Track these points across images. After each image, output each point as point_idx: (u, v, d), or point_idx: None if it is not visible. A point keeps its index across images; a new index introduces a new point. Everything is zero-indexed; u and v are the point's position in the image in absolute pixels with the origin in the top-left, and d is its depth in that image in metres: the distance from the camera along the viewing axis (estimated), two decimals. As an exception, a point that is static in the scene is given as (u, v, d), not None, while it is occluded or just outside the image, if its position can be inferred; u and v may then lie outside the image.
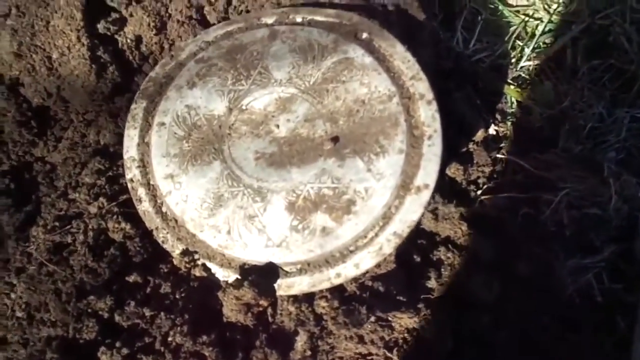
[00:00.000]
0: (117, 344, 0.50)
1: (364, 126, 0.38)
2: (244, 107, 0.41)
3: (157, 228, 0.40)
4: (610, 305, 0.61)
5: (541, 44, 0.77)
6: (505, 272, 0.61)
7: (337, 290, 0.48)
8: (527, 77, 0.75)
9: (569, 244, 0.63)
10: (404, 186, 0.37)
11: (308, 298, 0.47)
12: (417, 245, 0.58)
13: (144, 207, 0.40)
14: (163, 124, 0.41)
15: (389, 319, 0.52)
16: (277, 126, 0.40)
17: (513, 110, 0.72)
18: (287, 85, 0.42)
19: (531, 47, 0.75)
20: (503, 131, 0.71)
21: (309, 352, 0.44)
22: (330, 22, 0.44)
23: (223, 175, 0.38)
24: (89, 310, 0.52)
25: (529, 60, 0.75)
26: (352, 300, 0.49)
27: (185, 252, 0.41)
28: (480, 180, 0.67)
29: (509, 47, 0.74)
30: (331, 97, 0.40)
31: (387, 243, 0.36)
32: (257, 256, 0.37)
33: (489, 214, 0.64)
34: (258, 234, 0.37)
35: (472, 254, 0.60)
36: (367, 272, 0.38)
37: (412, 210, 0.37)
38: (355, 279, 0.43)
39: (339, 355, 0.49)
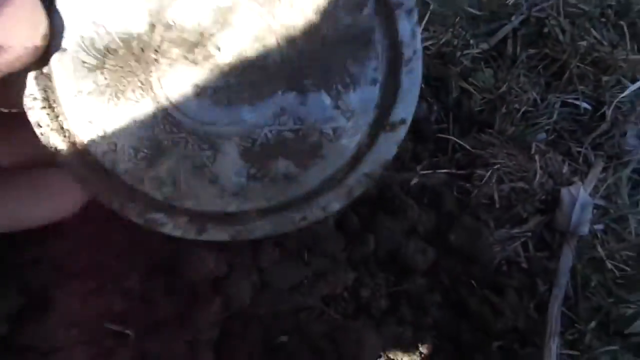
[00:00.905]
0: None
1: (329, 47, 0.29)
2: (170, 22, 0.30)
3: (85, 179, 0.32)
4: (534, 271, 0.68)
5: (483, 31, 0.83)
6: (440, 241, 0.67)
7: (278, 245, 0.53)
8: (470, 64, 0.80)
9: (498, 216, 0.69)
10: (378, 122, 0.31)
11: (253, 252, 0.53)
12: (358, 211, 0.64)
13: (63, 157, 0.31)
14: (64, 49, 0.30)
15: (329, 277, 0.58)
16: (218, 48, 0.30)
17: (456, 94, 0.78)
18: None
19: (471, 34, 0.81)
20: (446, 113, 0.77)
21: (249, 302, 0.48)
22: None
23: (158, 119, 0.30)
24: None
25: (472, 48, 0.80)
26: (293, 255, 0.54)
27: (124, 205, 0.32)
28: (422, 156, 0.72)
29: (452, 35, 0.79)
30: (284, 5, 0.30)
31: (357, 185, 0.32)
32: (211, 206, 0.31)
33: (428, 187, 0.69)
34: (209, 185, 0.31)
35: (410, 223, 0.66)
36: (334, 214, 0.32)
37: (386, 149, 0.31)
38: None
39: (280, 308, 0.54)
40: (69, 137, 0.32)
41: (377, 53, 0.31)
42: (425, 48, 0.81)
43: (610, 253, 0.68)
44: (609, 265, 0.66)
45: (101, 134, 0.31)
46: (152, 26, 0.30)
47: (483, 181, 0.68)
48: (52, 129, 0.31)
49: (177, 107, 0.31)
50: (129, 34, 0.30)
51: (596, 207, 0.71)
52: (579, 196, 0.69)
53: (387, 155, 0.32)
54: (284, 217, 0.32)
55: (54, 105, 0.31)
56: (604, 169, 0.75)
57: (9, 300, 0.46)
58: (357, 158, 0.32)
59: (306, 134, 0.31)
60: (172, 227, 0.32)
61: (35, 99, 0.31)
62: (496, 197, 0.69)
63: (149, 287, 0.50)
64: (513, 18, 0.83)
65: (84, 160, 0.32)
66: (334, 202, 0.32)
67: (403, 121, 0.32)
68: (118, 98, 0.30)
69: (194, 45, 0.31)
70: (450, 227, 0.68)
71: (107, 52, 0.31)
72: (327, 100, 0.31)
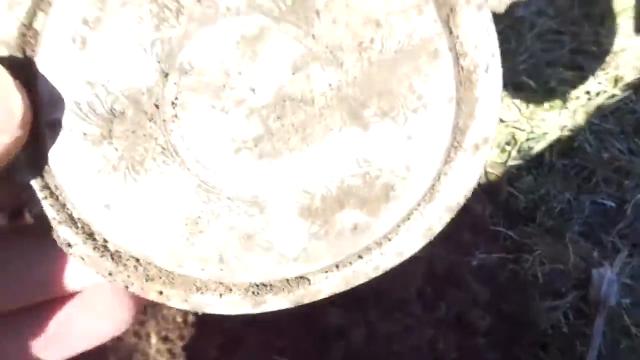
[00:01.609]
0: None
1: (387, 65, 0.23)
2: (186, 66, 0.22)
3: (110, 273, 0.25)
4: (573, 335, 0.87)
5: (525, 147, 1.07)
6: (496, 309, 0.88)
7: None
8: (515, 171, 1.04)
9: (542, 290, 0.90)
10: (456, 145, 0.25)
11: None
12: (432, 284, 0.87)
13: (79, 251, 0.24)
14: (57, 122, 0.22)
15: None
16: (252, 89, 0.23)
17: (504, 196, 1.02)
18: (250, 12, 0.22)
19: (517, 150, 1.05)
20: (497, 210, 1.00)
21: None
22: None
23: (191, 189, 0.24)
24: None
25: (516, 160, 1.05)
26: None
27: (163, 293, 0.26)
28: (479, 243, 0.95)
29: (500, 150, 1.04)
30: (325, 22, 0.23)
31: (437, 221, 0.25)
32: (268, 276, 0.26)
33: (485, 267, 0.92)
34: (264, 253, 0.25)
35: (472, 295, 0.88)
36: (411, 257, 0.29)
37: (468, 175, 0.25)
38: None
39: (379, 351, 0.77)
40: (82, 227, 0.25)
41: (448, 64, 0.24)
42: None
43: (635, 322, 0.86)
44: (634, 331, 0.84)
45: (123, 218, 0.24)
46: (164, 74, 0.23)
47: (528, 263, 0.90)
48: (59, 222, 0.24)
49: (211, 170, 0.24)
50: (136, 89, 0.23)
51: (623, 285, 0.90)
52: (607, 276, 0.89)
53: (469, 183, 0.26)
54: (355, 271, 0.26)
55: (57, 192, 0.24)
56: (629, 254, 0.94)
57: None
58: (435, 189, 0.26)
59: (375, 176, 0.25)
60: (222, 306, 0.26)
61: (30, 188, 0.24)
62: (539, 275, 0.90)
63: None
64: (547, 136, 1.07)
65: (107, 252, 0.25)
66: (411, 245, 0.26)
67: (485, 140, 0.25)
68: (137, 171, 0.24)
69: (220, 89, 0.24)
70: (504, 298, 0.89)
71: (113, 115, 0.23)
72: (395, 130, 0.24)
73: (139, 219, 0.24)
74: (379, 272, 0.26)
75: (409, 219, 0.25)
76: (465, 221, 0.99)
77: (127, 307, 0.27)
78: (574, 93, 1.10)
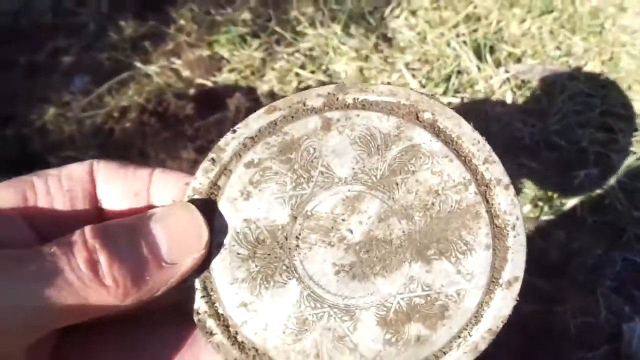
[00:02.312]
0: None
1: (443, 221, 0.34)
2: (309, 213, 0.34)
3: (235, 359, 0.34)
4: (606, 387, 0.90)
5: (558, 203, 1.13)
6: (528, 359, 0.92)
7: None
8: (547, 226, 1.10)
9: (574, 343, 0.93)
10: (494, 282, 0.34)
11: None
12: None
13: (217, 339, 0.33)
14: (222, 244, 0.34)
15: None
16: (350, 231, 0.34)
17: (537, 249, 1.07)
18: (353, 182, 0.35)
19: (549, 205, 1.11)
20: (529, 263, 1.05)
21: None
22: (386, 103, 0.38)
23: (303, 297, 0.33)
24: None
25: (548, 215, 1.10)
26: None
27: None
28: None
29: (533, 206, 1.10)
30: (402, 191, 0.35)
31: (482, 341, 0.33)
32: None
33: (518, 317, 0.96)
34: (349, 354, 0.33)
35: (504, 346, 0.92)
36: None
37: (504, 305, 0.34)
38: None
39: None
40: (223, 321, 0.34)
41: (486, 222, 0.34)
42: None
43: (668, 377, 0.88)
44: (666, 386, 0.87)
45: (254, 316, 0.33)
46: (294, 218, 0.35)
47: (560, 315, 0.94)
48: (209, 315, 0.34)
49: (319, 284, 0.34)
50: (274, 226, 0.34)
51: (655, 340, 0.93)
52: (638, 330, 0.92)
53: (505, 311, 0.34)
54: None
55: (212, 294, 0.34)
56: (661, 311, 0.97)
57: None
58: (479, 315, 0.34)
59: (434, 297, 0.34)
60: None
61: (196, 290, 0.34)
62: (571, 327, 0.94)
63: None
64: (579, 193, 1.13)
65: (236, 342, 0.34)
66: (462, 359, 0.33)
67: (516, 279, 0.34)
68: (268, 282, 0.33)
69: (329, 230, 0.34)
70: (536, 348, 0.93)
71: (257, 243, 0.34)
72: (449, 266, 0.34)
73: (264, 317, 0.33)
74: None
75: (459, 337, 0.33)
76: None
77: None
78: (604, 153, 1.15)
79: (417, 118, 0.37)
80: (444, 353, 0.33)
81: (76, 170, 0.32)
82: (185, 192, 0.35)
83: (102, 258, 0.27)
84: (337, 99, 0.38)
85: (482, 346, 0.34)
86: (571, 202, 1.12)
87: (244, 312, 0.34)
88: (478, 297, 0.33)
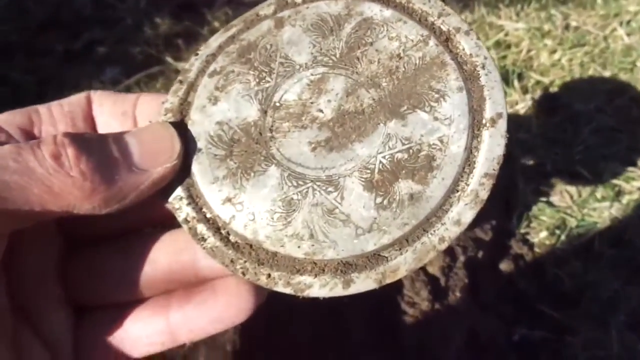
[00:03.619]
0: None
1: (411, 79, 0.34)
2: (277, 104, 0.35)
3: (232, 261, 0.33)
4: None
5: (575, 233, 1.10)
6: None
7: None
8: (563, 255, 1.07)
9: (584, 375, 0.90)
10: (477, 123, 0.33)
11: None
12: (470, 349, 0.89)
13: (210, 243, 0.33)
14: (199, 150, 0.34)
15: None
16: (321, 110, 0.34)
17: (551, 278, 1.04)
18: (314, 66, 0.35)
19: (566, 234, 1.09)
20: (542, 291, 1.02)
21: None
22: None
23: (284, 178, 0.33)
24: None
25: (565, 244, 1.08)
26: None
27: (271, 276, 0.33)
28: (522, 320, 0.97)
29: (550, 233, 1.08)
30: (364, 63, 0.35)
31: (481, 187, 0.31)
32: (350, 251, 0.32)
33: (528, 342, 0.93)
34: (344, 226, 0.32)
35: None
36: (470, 226, 0.33)
37: (494, 144, 0.32)
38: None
39: None
40: (212, 223, 0.33)
41: (453, 67, 0.34)
42: (526, 233, 1.10)
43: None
44: None
45: (240, 208, 0.33)
46: (264, 112, 0.35)
47: (571, 346, 0.91)
48: (198, 220, 0.33)
49: (297, 163, 0.34)
50: (246, 123, 0.35)
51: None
52: (651, 369, 0.88)
53: (497, 150, 0.32)
54: (423, 244, 0.31)
55: (197, 199, 0.34)
56: (676, 352, 0.94)
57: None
58: (471, 161, 0.32)
59: (416, 149, 0.33)
60: (319, 287, 0.32)
61: (181, 198, 0.34)
62: None
63: None
64: (598, 225, 1.10)
65: (229, 242, 0.33)
66: (465, 212, 0.31)
67: (500, 115, 0.33)
68: (248, 174, 0.33)
69: (301, 115, 0.35)
70: (544, 377, 0.90)
71: (233, 142, 0.35)
72: (425, 115, 0.33)
73: (249, 207, 0.33)
74: (445, 244, 0.31)
75: (457, 190, 0.32)
76: (509, 295, 1.02)
77: (246, 299, 0.33)
78: (627, 187, 1.13)
79: None
80: (445, 210, 0.32)
81: (75, 98, 0.34)
82: (161, 113, 0.35)
83: (70, 151, 0.28)
84: (287, 2, 0.39)
85: (484, 194, 0.32)
86: (589, 234, 1.09)
87: (229, 208, 0.33)
88: (463, 140, 0.32)
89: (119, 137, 0.31)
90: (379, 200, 0.32)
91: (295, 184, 0.33)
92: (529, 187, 1.14)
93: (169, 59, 1.39)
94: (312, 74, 0.36)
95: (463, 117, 0.33)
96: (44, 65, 1.44)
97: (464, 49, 0.35)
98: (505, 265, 1.05)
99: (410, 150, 0.33)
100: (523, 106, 1.24)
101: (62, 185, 0.28)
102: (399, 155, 0.33)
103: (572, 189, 1.14)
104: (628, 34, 1.33)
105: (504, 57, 1.32)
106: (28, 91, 1.39)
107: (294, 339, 0.87)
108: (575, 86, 1.27)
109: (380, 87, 0.34)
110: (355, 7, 0.37)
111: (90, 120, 0.34)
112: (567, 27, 1.36)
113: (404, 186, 0.32)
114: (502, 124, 0.33)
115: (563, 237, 1.08)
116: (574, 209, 1.12)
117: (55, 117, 0.33)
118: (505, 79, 1.27)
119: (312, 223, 0.32)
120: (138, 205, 0.31)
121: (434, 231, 0.31)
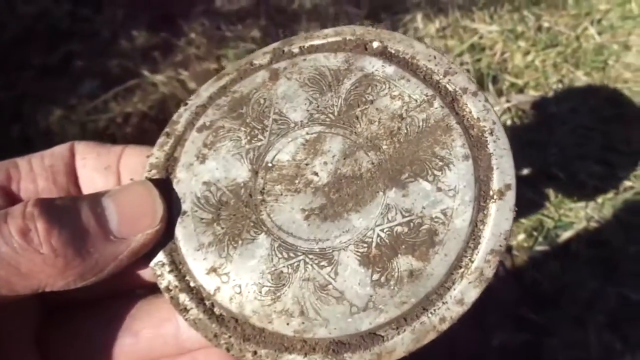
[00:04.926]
0: None
1: (413, 143, 0.31)
2: (269, 165, 0.32)
3: (215, 335, 0.30)
4: None
5: (552, 234, 1.12)
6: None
7: None
8: (542, 257, 1.08)
9: (562, 376, 0.91)
10: (483, 194, 0.30)
11: None
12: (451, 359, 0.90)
13: (193, 315, 0.31)
14: (184, 212, 0.32)
15: None
16: (316, 174, 0.32)
17: (530, 280, 1.05)
18: (310, 124, 0.33)
19: (543, 236, 1.10)
20: (521, 294, 1.04)
21: None
22: (332, 42, 0.36)
23: (274, 249, 0.31)
24: None
25: (543, 246, 1.09)
26: None
27: (257, 354, 0.30)
28: (504, 325, 0.98)
29: (527, 235, 1.09)
30: (364, 123, 0.32)
31: (486, 265, 0.29)
32: (344, 330, 0.29)
33: (507, 349, 0.94)
34: (337, 304, 0.29)
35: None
36: (473, 305, 0.31)
37: (502, 219, 0.30)
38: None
39: None
40: (196, 294, 0.31)
41: (459, 133, 0.31)
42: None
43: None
44: None
45: (226, 279, 0.30)
46: (255, 172, 0.32)
47: (550, 348, 0.92)
48: (180, 290, 0.31)
49: (289, 232, 0.31)
50: (236, 184, 0.32)
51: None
52: (628, 368, 0.90)
53: (505, 225, 0.30)
54: (423, 324, 0.29)
55: (180, 266, 0.32)
56: (653, 350, 0.95)
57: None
58: (476, 236, 0.30)
59: (418, 223, 0.30)
60: None
61: (163, 264, 0.31)
62: (560, 360, 0.92)
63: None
64: (574, 225, 1.12)
65: (213, 315, 0.31)
66: (469, 291, 0.29)
67: (508, 186, 0.30)
68: (235, 241, 0.31)
69: (294, 177, 0.32)
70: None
71: (220, 205, 0.32)
72: (427, 185, 0.30)
73: (236, 279, 0.30)
74: (446, 324, 0.29)
75: (460, 267, 0.29)
76: (489, 301, 1.03)
77: None
78: (602, 187, 1.15)
79: (366, 49, 0.35)
80: (447, 288, 0.29)
81: (58, 149, 0.33)
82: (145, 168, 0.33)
83: (39, 225, 0.26)
84: (284, 51, 0.36)
85: (489, 272, 0.29)
86: (566, 235, 1.11)
87: (214, 278, 0.31)
88: (468, 214, 0.30)
89: (95, 201, 0.28)
90: (375, 277, 0.30)
91: (286, 255, 0.31)
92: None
93: (146, 72, 1.39)
94: (307, 133, 0.33)
95: (469, 189, 0.30)
96: (20, 80, 1.43)
97: (471, 112, 0.32)
98: (484, 269, 1.06)
99: (411, 224, 0.30)
100: (498, 109, 1.24)
101: (31, 265, 0.26)
102: (399, 228, 0.30)
103: (549, 190, 1.15)
104: (599, 33, 1.35)
105: (479, 60, 1.33)
106: (5, 106, 1.38)
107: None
108: (549, 87, 1.28)
109: (381, 150, 0.32)
110: (355, 62, 0.34)
111: (72, 174, 0.33)
112: (539, 28, 1.37)
113: (403, 262, 0.30)
114: (511, 196, 0.30)
115: (540, 239, 1.09)
116: (550, 210, 1.13)
117: (35, 171, 0.31)
118: (480, 82, 1.28)
119: (303, 299, 0.30)
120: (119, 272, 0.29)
121: (435, 310, 0.29)
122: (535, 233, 1.10)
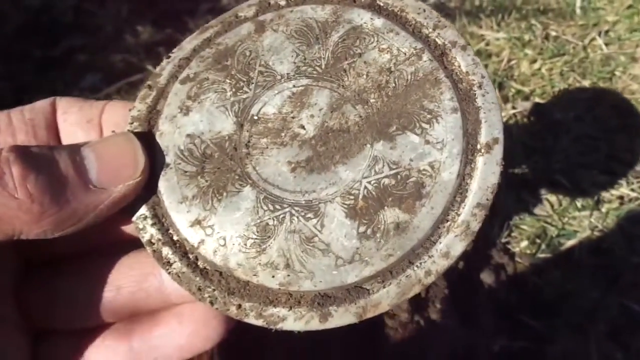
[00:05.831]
0: None
1: (401, 96, 0.31)
2: (255, 117, 0.32)
3: (199, 289, 0.30)
4: None
5: (555, 242, 1.11)
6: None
7: None
8: (544, 264, 1.07)
9: (563, 385, 0.90)
10: (471, 148, 0.30)
11: None
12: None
13: (176, 268, 0.30)
14: (167, 165, 0.31)
15: None
16: (302, 127, 0.31)
17: (531, 287, 1.04)
18: (297, 77, 0.32)
19: (546, 244, 1.09)
20: (522, 300, 1.02)
21: None
22: None
23: (259, 201, 0.30)
24: None
25: (545, 253, 1.08)
26: None
27: (241, 307, 0.30)
28: (503, 331, 0.97)
29: (530, 242, 1.08)
30: (351, 76, 0.32)
31: (472, 218, 0.29)
32: (329, 282, 0.29)
33: (506, 355, 0.93)
34: (323, 256, 0.29)
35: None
36: (459, 258, 0.31)
37: (489, 172, 0.29)
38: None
39: None
40: (180, 247, 0.30)
41: (448, 86, 0.31)
42: (508, 243, 1.10)
43: None
44: None
45: (209, 232, 0.30)
46: (240, 125, 0.32)
47: (551, 356, 0.91)
48: (163, 243, 0.30)
49: (274, 184, 0.31)
50: (221, 137, 0.32)
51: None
52: (630, 379, 0.88)
53: (492, 179, 0.30)
54: (408, 277, 0.29)
55: (163, 219, 0.31)
56: (655, 361, 0.94)
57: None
58: (463, 189, 0.30)
59: (405, 175, 0.30)
60: (293, 320, 0.29)
61: (145, 218, 0.31)
62: (561, 369, 0.90)
63: None
64: (577, 234, 1.11)
65: (197, 269, 0.30)
66: (455, 245, 0.29)
67: (496, 140, 0.30)
68: (220, 194, 0.30)
69: (280, 131, 0.31)
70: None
71: (205, 158, 0.31)
72: (415, 138, 0.30)
73: (220, 231, 0.30)
74: (432, 278, 0.28)
75: (447, 220, 0.29)
76: (490, 306, 1.01)
77: (215, 326, 0.31)
78: (606, 196, 1.14)
79: (354, 1, 0.34)
80: (433, 242, 0.29)
81: (39, 103, 0.32)
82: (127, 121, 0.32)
83: (15, 169, 0.25)
84: (270, 3, 0.36)
85: (475, 225, 0.29)
86: (569, 243, 1.10)
87: (198, 231, 0.30)
88: (455, 167, 0.29)
89: (75, 151, 0.28)
90: (362, 229, 0.29)
91: (271, 208, 0.30)
92: (510, 196, 1.14)
93: (150, 67, 1.38)
94: (294, 86, 0.33)
95: (456, 142, 0.30)
96: (21, 71, 1.42)
97: (459, 66, 0.32)
98: (485, 276, 1.04)
99: (398, 176, 0.30)
100: (504, 115, 1.24)
101: (4, 209, 0.25)
102: (386, 180, 0.30)
103: (553, 198, 1.14)
104: (607, 44, 1.35)
105: (485, 66, 1.32)
106: (4, 97, 1.36)
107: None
108: (555, 95, 1.28)
109: (368, 104, 0.31)
110: (343, 14, 0.34)
111: (54, 128, 0.32)
112: (547, 37, 1.37)
113: (390, 215, 0.29)
114: (498, 150, 0.30)
115: (543, 246, 1.09)
116: (554, 217, 1.12)
117: (15, 125, 0.31)
118: (486, 88, 1.27)
119: (289, 251, 0.29)
120: (100, 224, 0.28)
121: (420, 264, 0.29)
122: (538, 240, 1.09)
